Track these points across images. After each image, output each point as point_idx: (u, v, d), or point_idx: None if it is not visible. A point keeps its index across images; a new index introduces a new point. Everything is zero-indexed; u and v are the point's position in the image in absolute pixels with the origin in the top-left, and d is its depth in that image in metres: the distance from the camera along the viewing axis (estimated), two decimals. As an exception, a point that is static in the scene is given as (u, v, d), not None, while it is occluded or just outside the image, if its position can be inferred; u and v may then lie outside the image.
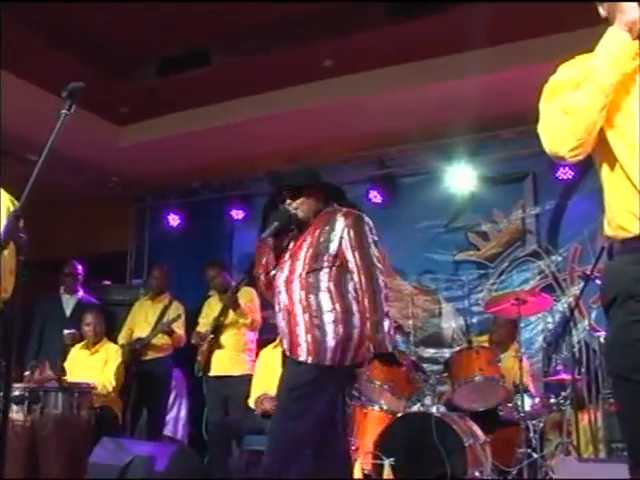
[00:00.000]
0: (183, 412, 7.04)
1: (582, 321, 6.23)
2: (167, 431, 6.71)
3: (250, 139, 7.15)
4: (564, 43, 5.65)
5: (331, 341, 3.21)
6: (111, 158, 7.47)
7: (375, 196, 6.93)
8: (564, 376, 5.33)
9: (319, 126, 6.85)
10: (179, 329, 6.22)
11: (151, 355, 6.32)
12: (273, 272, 3.47)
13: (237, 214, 7.61)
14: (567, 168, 6.25)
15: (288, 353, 3.31)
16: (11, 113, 5.77)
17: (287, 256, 3.44)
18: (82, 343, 5.95)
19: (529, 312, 5.26)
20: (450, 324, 6.70)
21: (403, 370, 5.04)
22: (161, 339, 6.32)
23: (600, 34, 5.64)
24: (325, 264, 3.32)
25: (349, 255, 3.33)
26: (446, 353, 6.52)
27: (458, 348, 5.22)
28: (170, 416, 6.81)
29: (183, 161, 7.54)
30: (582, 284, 6.21)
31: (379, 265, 3.34)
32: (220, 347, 5.83)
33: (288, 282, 3.35)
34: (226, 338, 5.87)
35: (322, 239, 3.36)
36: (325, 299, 3.29)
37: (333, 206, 3.52)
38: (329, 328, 3.23)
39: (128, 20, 5.98)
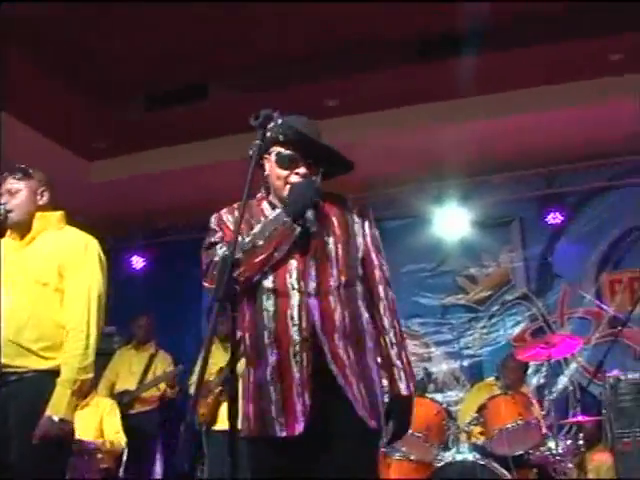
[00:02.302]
0: (158, 468, 6.55)
1: (571, 362, 6.37)
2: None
3: (228, 180, 6.87)
4: (555, 94, 5.89)
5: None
6: (77, 195, 6.95)
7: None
8: (580, 418, 5.41)
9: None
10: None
11: (138, 409, 5.87)
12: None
13: (208, 257, 7.26)
14: (557, 213, 6.44)
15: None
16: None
17: (295, 252, 2.31)
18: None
19: (558, 355, 5.29)
20: (440, 368, 6.65)
21: (437, 417, 4.92)
22: (149, 391, 5.88)
23: (591, 86, 5.86)
24: (359, 274, 2.37)
25: (374, 258, 2.41)
26: (438, 397, 6.47)
27: (493, 394, 5.13)
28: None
29: (152, 201, 7.15)
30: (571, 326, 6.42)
31: None
32: (229, 399, 5.46)
33: (322, 293, 2.26)
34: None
35: (350, 234, 2.38)
36: (369, 333, 2.34)
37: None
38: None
39: (122, 52, 5.67)
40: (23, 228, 3.05)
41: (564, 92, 5.88)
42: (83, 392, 2.77)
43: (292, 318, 2.23)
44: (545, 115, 6.08)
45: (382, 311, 2.37)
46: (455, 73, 5.60)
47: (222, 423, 5.49)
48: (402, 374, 2.32)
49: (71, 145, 6.45)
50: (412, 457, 5.07)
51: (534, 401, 5.34)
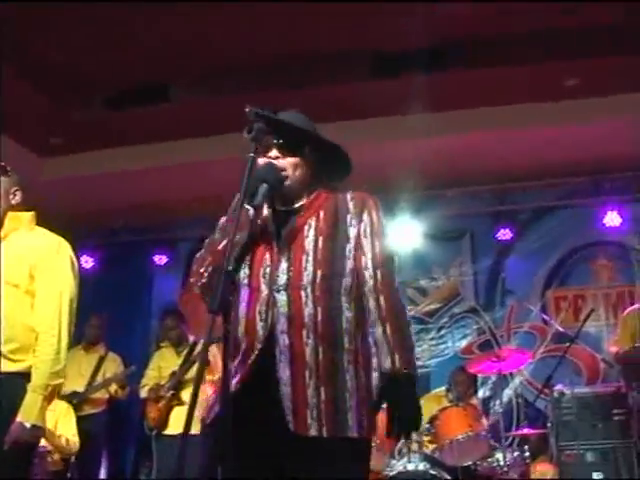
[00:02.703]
0: (102, 471, 6.46)
1: (516, 376, 6.53)
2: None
3: (181, 182, 6.82)
4: (510, 115, 6.05)
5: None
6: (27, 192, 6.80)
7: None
8: (526, 431, 5.54)
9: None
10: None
11: (87, 411, 5.77)
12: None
13: (160, 259, 7.21)
14: (507, 229, 6.60)
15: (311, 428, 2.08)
16: None
17: (271, 246, 2.24)
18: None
19: (507, 368, 5.42)
20: (389, 378, 6.72)
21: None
22: (98, 392, 5.81)
23: (546, 109, 6.02)
24: (347, 267, 2.22)
25: (367, 245, 2.23)
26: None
27: (443, 405, 5.23)
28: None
29: (104, 201, 7.04)
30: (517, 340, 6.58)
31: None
32: (181, 404, 5.42)
33: (292, 288, 2.16)
34: (188, 394, 5.49)
35: (339, 225, 2.24)
36: (348, 332, 2.17)
37: (325, 184, 2.38)
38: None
39: (84, 51, 5.58)
40: (-5, 227, 2.98)
41: (519, 113, 6.04)
42: (54, 396, 2.73)
43: (260, 313, 2.16)
44: (499, 134, 6.24)
45: (367, 294, 2.18)
46: (413, 89, 5.69)
47: (172, 428, 5.47)
48: (385, 348, 2.10)
49: (23, 140, 6.31)
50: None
51: (486, 414, 5.48)
